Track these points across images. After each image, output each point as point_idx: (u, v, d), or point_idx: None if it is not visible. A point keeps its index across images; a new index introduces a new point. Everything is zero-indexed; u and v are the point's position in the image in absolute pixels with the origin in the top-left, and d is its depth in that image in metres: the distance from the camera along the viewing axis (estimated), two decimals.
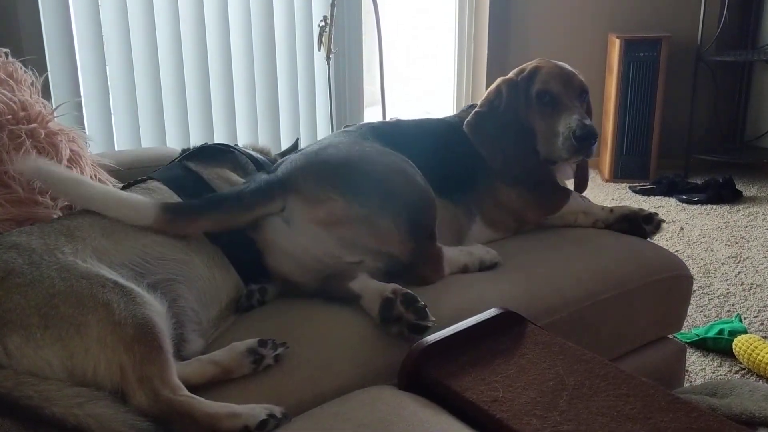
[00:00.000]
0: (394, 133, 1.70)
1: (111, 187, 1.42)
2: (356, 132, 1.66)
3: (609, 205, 1.84)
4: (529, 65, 1.80)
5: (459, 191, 1.70)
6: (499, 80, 1.83)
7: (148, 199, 1.36)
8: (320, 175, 1.42)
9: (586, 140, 1.65)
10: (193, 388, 1.13)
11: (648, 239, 1.79)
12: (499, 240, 1.75)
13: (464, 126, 1.77)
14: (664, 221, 1.81)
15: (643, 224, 1.77)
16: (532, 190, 1.76)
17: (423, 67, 5.21)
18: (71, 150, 1.58)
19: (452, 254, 1.53)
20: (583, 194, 1.93)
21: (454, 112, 1.98)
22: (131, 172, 1.83)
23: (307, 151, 1.51)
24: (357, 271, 1.39)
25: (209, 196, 1.43)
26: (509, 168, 1.73)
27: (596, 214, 1.80)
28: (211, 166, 1.61)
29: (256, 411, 1.08)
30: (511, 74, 1.82)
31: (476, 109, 1.80)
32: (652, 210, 1.83)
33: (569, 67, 1.77)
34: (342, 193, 1.39)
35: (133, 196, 1.36)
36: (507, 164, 1.73)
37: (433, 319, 1.28)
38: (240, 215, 1.39)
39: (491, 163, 1.74)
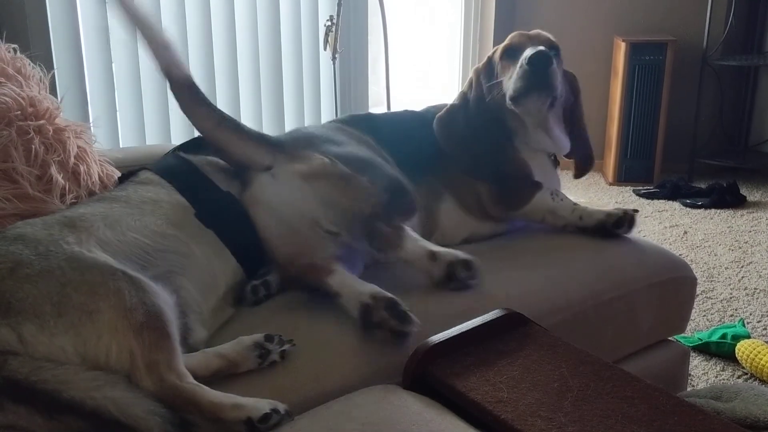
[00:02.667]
0: (381, 125, 1.74)
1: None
2: (350, 122, 1.72)
3: (583, 207, 1.73)
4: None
5: (430, 172, 1.70)
6: (472, 71, 1.84)
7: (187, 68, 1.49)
8: (308, 141, 1.52)
9: (537, 61, 1.60)
10: (199, 380, 1.13)
11: (650, 240, 1.78)
12: (485, 234, 1.75)
13: (434, 122, 1.77)
14: (636, 212, 1.71)
15: (614, 230, 1.68)
16: (498, 184, 1.71)
17: (428, 68, 5.21)
18: (78, 146, 1.59)
19: (418, 239, 1.45)
20: (585, 196, 1.91)
21: None
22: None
23: (299, 129, 1.67)
24: (334, 264, 1.39)
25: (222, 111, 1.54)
26: (476, 166, 1.72)
27: (565, 218, 1.71)
28: (202, 153, 1.63)
29: (260, 404, 1.09)
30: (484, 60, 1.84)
31: (450, 104, 1.80)
32: (621, 210, 1.71)
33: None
34: (327, 154, 1.46)
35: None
36: (473, 162, 1.72)
37: (418, 321, 1.25)
38: (228, 134, 1.49)
39: (458, 163, 1.72)
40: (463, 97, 1.80)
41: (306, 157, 1.46)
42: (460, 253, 1.42)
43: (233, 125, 1.51)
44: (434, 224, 1.69)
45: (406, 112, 1.89)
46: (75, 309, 1.09)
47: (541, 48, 1.64)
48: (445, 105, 1.85)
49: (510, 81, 1.69)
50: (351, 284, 1.34)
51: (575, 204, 1.74)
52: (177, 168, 1.55)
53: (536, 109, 1.71)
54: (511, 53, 1.72)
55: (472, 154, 1.72)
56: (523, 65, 1.64)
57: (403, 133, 1.74)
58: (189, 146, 1.66)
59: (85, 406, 1.01)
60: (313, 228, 1.42)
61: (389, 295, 1.29)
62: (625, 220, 1.69)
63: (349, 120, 1.74)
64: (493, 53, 1.80)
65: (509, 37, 1.78)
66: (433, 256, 1.39)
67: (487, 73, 1.78)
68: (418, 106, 1.91)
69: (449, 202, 1.72)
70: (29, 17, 2.71)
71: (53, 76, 1.78)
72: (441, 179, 1.72)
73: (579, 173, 1.92)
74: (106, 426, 1.02)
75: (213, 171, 1.58)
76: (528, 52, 1.64)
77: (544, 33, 1.75)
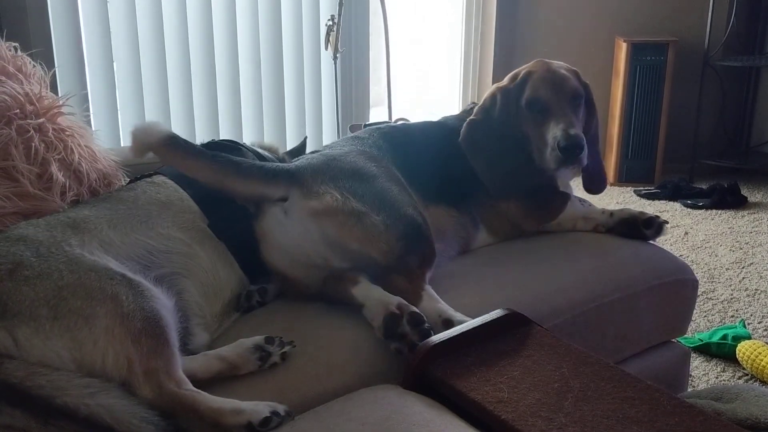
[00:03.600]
0: (403, 139, 1.71)
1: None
2: (370, 140, 1.66)
3: (610, 208, 1.81)
4: (523, 70, 1.76)
5: (464, 200, 1.70)
6: (493, 87, 1.80)
7: (165, 127, 1.45)
8: (331, 176, 1.44)
9: (570, 151, 1.60)
10: (200, 383, 1.13)
11: (652, 243, 1.78)
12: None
13: (460, 140, 1.74)
14: (666, 223, 1.77)
15: (642, 228, 1.73)
16: (528, 199, 1.73)
17: (429, 69, 5.21)
18: (80, 144, 1.58)
19: (437, 301, 1.39)
20: (586, 198, 1.91)
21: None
22: (139, 167, 1.82)
23: (327, 154, 1.54)
24: (360, 276, 1.37)
25: (216, 152, 1.47)
26: (502, 184, 1.71)
27: (596, 219, 1.77)
28: None
29: (259, 408, 1.08)
30: (506, 80, 1.79)
31: (470, 118, 1.77)
32: (654, 213, 1.79)
33: (564, 69, 1.73)
34: (343, 191, 1.40)
35: (155, 122, 1.46)
36: (499, 180, 1.70)
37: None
38: (232, 179, 1.42)
39: (483, 179, 1.71)
40: (485, 113, 1.76)
41: (320, 194, 1.39)
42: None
43: (233, 167, 1.43)
44: (467, 249, 1.70)
45: (430, 124, 1.85)
46: (71, 313, 1.09)
47: (573, 132, 1.61)
48: (460, 116, 1.84)
49: (543, 156, 1.66)
50: (376, 294, 1.33)
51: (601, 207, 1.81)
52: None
53: (568, 174, 1.78)
54: (537, 107, 1.68)
55: (499, 170, 1.71)
56: (557, 152, 1.62)
57: (437, 156, 1.71)
58: None
59: (79, 412, 1.01)
60: (324, 263, 1.40)
61: (415, 309, 1.28)
62: (656, 222, 1.74)
63: (380, 141, 1.67)
64: (515, 82, 1.74)
65: (532, 76, 1.71)
66: (447, 323, 1.32)
67: (515, 95, 1.73)
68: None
69: (483, 232, 1.73)
70: (30, 15, 2.71)
71: (54, 75, 1.78)
72: (477, 208, 1.72)
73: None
74: None
75: None
76: (560, 132, 1.61)
77: (571, 79, 1.70)
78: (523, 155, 1.71)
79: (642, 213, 1.77)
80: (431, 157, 1.69)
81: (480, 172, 1.71)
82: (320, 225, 1.38)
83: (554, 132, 1.63)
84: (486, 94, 1.81)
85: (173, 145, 1.42)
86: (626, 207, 1.87)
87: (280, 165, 1.49)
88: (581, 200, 1.82)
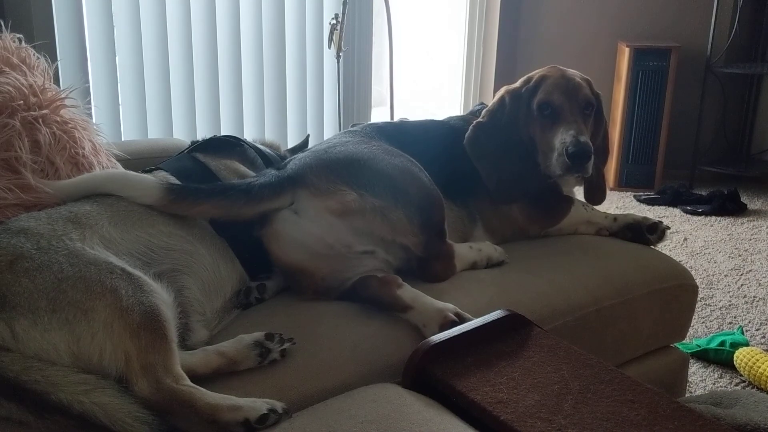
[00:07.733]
0: (399, 134, 1.71)
1: (117, 169, 1.44)
2: (362, 132, 1.67)
3: (613, 213, 1.82)
4: (537, 74, 1.75)
5: (462, 194, 1.70)
6: (503, 90, 1.78)
7: (154, 179, 1.39)
8: (330, 170, 1.44)
9: (578, 158, 1.60)
10: (199, 378, 1.13)
11: (652, 247, 1.79)
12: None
13: (465, 143, 1.73)
14: (668, 228, 1.79)
15: (646, 234, 1.76)
16: (532, 203, 1.74)
17: (432, 69, 5.21)
18: (81, 137, 1.58)
19: (462, 251, 1.56)
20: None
21: (462, 113, 1.97)
22: (140, 162, 1.82)
23: (316, 150, 1.53)
24: (399, 278, 1.40)
25: (217, 184, 1.44)
26: (505, 189, 1.70)
27: (599, 224, 1.79)
28: (219, 157, 1.62)
29: (257, 405, 1.08)
30: (518, 83, 1.78)
31: (477, 120, 1.76)
32: (657, 218, 1.81)
33: (578, 77, 1.72)
34: (353, 186, 1.41)
35: (139, 176, 1.39)
36: (503, 185, 1.70)
37: None
38: (245, 206, 1.40)
39: (487, 183, 1.71)
40: (492, 116, 1.75)
41: (331, 191, 1.40)
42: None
43: (244, 196, 1.40)
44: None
45: (431, 122, 1.85)
46: (70, 306, 1.08)
47: (583, 140, 1.61)
48: (466, 117, 1.84)
49: (549, 161, 1.66)
50: (427, 300, 1.36)
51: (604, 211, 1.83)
52: (193, 172, 1.53)
53: (571, 181, 1.80)
54: (548, 111, 1.67)
55: (504, 175, 1.70)
56: (564, 158, 1.61)
57: (434, 148, 1.71)
58: (203, 147, 1.65)
59: (73, 409, 1.01)
60: (347, 250, 1.42)
61: (468, 315, 1.33)
62: (660, 227, 1.77)
63: (372, 132, 1.67)
64: (527, 86, 1.73)
65: (546, 80, 1.70)
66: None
67: (526, 98, 1.72)
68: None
69: (480, 229, 1.73)
70: (34, 7, 2.70)
71: (57, 68, 1.77)
72: (475, 203, 1.72)
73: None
74: (94, 428, 1.01)
75: (230, 177, 1.56)
76: (569, 138, 1.61)
77: (584, 87, 1.69)
78: (529, 160, 1.71)
79: (646, 218, 1.79)
80: (428, 149, 1.68)
81: (484, 176, 1.71)
82: (345, 221, 1.40)
83: (563, 137, 1.62)
84: (495, 96, 1.80)
85: (178, 197, 1.36)
86: (626, 212, 1.89)
87: (278, 173, 1.46)
88: (584, 204, 1.83)
